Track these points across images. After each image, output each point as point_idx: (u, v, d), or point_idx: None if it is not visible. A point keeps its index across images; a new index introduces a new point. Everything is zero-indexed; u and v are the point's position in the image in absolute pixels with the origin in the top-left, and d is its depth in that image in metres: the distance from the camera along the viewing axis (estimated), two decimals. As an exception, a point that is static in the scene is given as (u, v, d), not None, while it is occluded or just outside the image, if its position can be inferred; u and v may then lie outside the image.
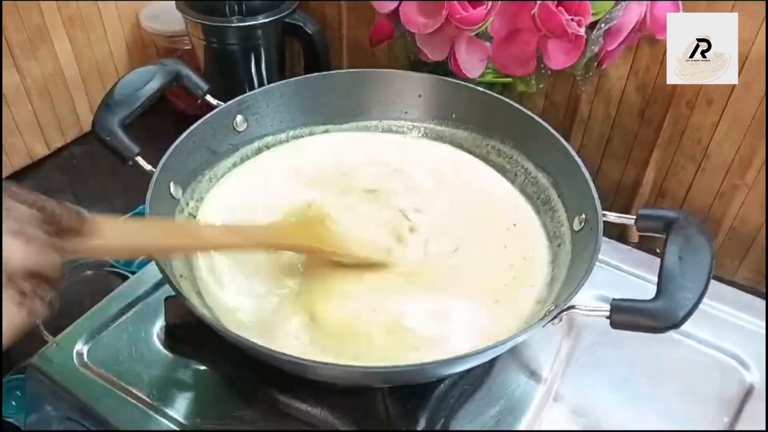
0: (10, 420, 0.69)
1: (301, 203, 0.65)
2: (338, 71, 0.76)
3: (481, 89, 0.70)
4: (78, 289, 0.75)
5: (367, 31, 0.80)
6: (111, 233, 0.43)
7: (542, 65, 0.70)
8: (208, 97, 0.67)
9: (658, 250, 0.52)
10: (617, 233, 0.80)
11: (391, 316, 0.57)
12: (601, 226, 0.55)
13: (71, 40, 0.91)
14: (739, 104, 0.74)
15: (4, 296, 0.34)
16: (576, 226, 0.61)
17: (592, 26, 0.68)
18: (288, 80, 0.72)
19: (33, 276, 0.36)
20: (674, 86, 0.78)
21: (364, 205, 0.67)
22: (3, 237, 0.35)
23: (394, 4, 0.70)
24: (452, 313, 0.58)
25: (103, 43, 0.95)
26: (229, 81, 0.92)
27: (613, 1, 0.68)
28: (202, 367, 0.63)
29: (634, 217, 0.56)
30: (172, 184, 0.62)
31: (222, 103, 0.67)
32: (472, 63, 0.71)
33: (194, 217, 0.65)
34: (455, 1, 0.65)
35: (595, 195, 0.58)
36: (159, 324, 0.66)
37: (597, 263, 0.53)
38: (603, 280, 0.67)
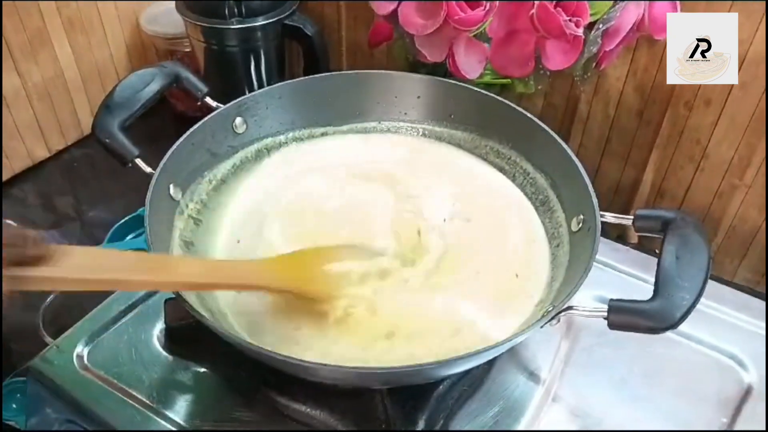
0: (11, 423, 0.69)
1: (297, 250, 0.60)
2: (337, 73, 0.77)
3: (480, 90, 0.70)
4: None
5: (366, 33, 0.80)
6: (72, 264, 0.41)
7: (541, 66, 0.70)
8: (208, 99, 0.67)
9: (657, 251, 0.52)
10: (617, 234, 0.80)
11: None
12: (599, 226, 0.55)
13: (71, 42, 0.91)
14: (737, 104, 0.75)
15: None
16: (574, 227, 0.61)
17: (590, 27, 0.68)
18: (287, 82, 0.73)
19: None
20: (672, 87, 0.78)
21: (365, 205, 0.67)
22: None
23: (393, 6, 0.70)
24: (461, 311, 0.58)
25: (103, 46, 0.95)
26: (229, 83, 0.92)
27: (612, 1, 0.68)
28: (202, 369, 0.63)
29: (632, 217, 0.56)
30: (171, 186, 0.62)
31: (221, 105, 0.68)
32: (470, 64, 0.71)
33: (194, 219, 0.65)
34: (453, 0, 0.65)
35: (593, 195, 0.58)
36: (159, 326, 0.66)
37: (596, 264, 0.53)
38: (602, 280, 0.67)
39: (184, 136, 0.64)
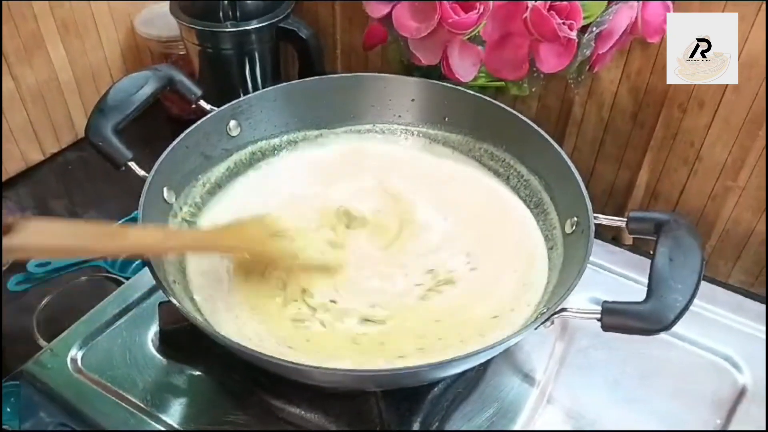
0: (5, 426, 0.68)
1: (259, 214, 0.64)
2: (332, 75, 0.77)
3: (474, 93, 0.71)
4: (72, 294, 0.75)
5: (361, 36, 0.80)
6: (38, 233, 0.44)
7: (535, 69, 0.70)
8: (202, 102, 0.67)
9: (651, 252, 0.52)
10: (612, 236, 0.80)
11: None
12: (592, 228, 0.56)
13: (66, 45, 0.91)
14: (730, 106, 0.75)
15: None
16: (568, 229, 0.61)
17: (583, 30, 0.68)
18: (282, 85, 0.73)
19: None
20: (666, 89, 0.78)
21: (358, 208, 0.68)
22: None
23: (387, 8, 0.70)
24: None
25: (97, 49, 0.95)
26: (224, 85, 0.92)
27: (605, 2, 0.68)
28: (196, 372, 0.63)
29: (625, 219, 0.56)
30: (165, 189, 0.62)
31: (216, 107, 0.67)
32: (464, 67, 0.71)
33: (188, 222, 0.65)
34: (446, 1, 0.65)
35: (587, 198, 0.58)
36: (153, 329, 0.66)
37: (590, 265, 0.53)
38: (596, 282, 0.67)
39: (178, 139, 0.64)
